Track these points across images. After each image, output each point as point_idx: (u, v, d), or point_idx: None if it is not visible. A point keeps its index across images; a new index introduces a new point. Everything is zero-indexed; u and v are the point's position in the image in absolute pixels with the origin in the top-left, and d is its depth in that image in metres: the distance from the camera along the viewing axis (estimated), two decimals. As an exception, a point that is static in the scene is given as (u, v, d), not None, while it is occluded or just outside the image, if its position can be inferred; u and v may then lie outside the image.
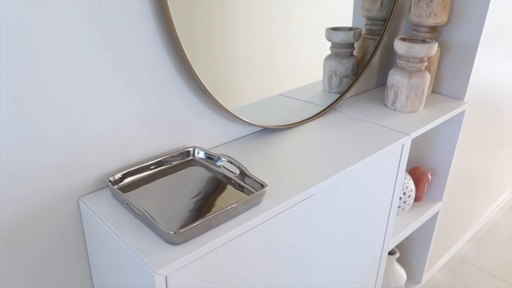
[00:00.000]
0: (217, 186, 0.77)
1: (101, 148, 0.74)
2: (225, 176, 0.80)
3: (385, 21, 1.16)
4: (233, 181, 0.78)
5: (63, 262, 0.77)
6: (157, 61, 0.76)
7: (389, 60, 1.32)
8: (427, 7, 1.11)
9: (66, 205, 0.74)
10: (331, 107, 1.12)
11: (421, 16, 1.13)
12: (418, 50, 1.05)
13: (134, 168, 0.78)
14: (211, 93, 0.83)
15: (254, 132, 1.00)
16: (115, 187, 0.73)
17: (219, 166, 0.82)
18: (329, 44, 1.06)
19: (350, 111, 1.14)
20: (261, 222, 0.71)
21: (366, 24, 1.13)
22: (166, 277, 0.60)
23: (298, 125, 1.05)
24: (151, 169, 0.80)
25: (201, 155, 0.85)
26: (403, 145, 1.01)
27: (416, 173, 1.31)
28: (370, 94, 1.27)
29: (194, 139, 0.88)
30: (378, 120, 1.08)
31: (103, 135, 0.74)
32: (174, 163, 0.83)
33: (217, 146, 0.94)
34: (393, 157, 1.01)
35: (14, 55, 0.60)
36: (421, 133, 1.05)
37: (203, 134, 0.89)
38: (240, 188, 0.76)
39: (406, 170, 1.36)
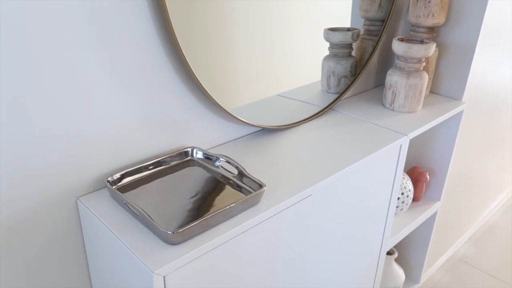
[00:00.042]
0: (215, 186, 0.77)
1: (100, 148, 0.74)
2: (223, 176, 0.80)
3: (383, 21, 1.16)
4: (231, 181, 0.78)
5: (61, 262, 0.77)
6: (156, 62, 0.76)
7: (387, 60, 1.32)
8: (425, 7, 1.12)
9: (65, 205, 0.74)
10: (329, 107, 1.12)
11: (419, 16, 1.13)
12: (416, 50, 1.05)
13: (133, 168, 0.78)
14: (209, 93, 0.83)
15: (253, 133, 1.01)
16: (113, 187, 0.73)
17: (218, 166, 0.82)
18: (327, 44, 1.06)
19: (348, 112, 1.14)
20: (259, 222, 0.72)
21: (364, 25, 1.14)
22: (164, 277, 0.60)
23: (297, 126, 1.05)
24: (150, 169, 0.80)
25: (199, 155, 0.85)
26: (401, 145, 1.02)
27: (415, 173, 1.32)
28: (368, 94, 1.27)
29: (192, 139, 0.88)
30: (376, 120, 1.09)
31: (102, 135, 0.74)
32: (173, 163, 0.83)
33: (215, 146, 0.94)
34: (391, 157, 1.01)
35: (14, 55, 0.60)
36: (419, 133, 1.06)
37: (202, 134, 0.90)
38: (238, 188, 0.76)
39: (404, 170, 1.37)
